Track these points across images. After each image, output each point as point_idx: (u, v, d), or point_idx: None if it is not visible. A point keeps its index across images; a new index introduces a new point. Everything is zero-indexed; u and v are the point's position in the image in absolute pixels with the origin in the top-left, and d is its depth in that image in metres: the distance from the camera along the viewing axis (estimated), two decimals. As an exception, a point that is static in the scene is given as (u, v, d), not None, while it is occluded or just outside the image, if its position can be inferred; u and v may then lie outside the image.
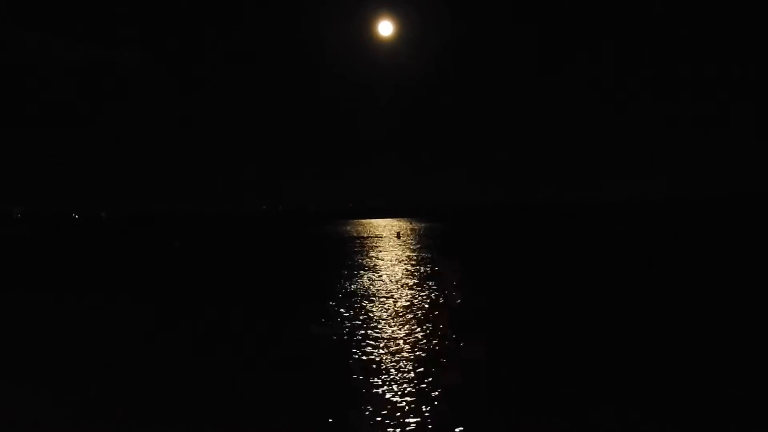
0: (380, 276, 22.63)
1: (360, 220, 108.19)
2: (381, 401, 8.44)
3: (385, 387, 9.03)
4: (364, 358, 10.68)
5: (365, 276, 22.77)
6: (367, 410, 8.10)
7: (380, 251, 35.43)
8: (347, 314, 14.84)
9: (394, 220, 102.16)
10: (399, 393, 8.77)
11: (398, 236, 52.31)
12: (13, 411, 8.42)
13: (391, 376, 9.54)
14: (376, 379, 9.41)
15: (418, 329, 12.90)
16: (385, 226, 77.13)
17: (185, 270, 27.94)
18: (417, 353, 10.91)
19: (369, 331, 12.82)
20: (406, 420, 7.76)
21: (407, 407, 8.19)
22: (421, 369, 9.91)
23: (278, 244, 46.95)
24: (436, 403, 8.33)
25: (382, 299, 16.98)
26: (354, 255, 33.17)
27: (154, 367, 10.52)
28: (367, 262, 28.71)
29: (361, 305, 16.08)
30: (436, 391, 8.81)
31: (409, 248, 37.44)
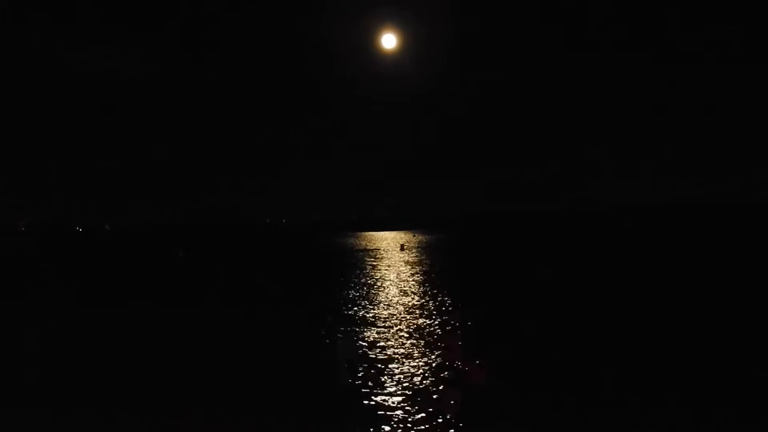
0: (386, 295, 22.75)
1: (364, 233, 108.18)
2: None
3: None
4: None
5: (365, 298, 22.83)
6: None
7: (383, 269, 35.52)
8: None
9: (400, 232, 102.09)
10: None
11: (402, 248, 52.45)
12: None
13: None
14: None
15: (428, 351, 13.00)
16: (392, 239, 77.11)
17: (193, 278, 28.19)
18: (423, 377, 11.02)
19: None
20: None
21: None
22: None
23: (275, 264, 47.05)
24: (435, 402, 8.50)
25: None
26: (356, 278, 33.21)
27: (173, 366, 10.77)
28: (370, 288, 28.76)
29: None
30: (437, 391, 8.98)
31: (412, 263, 37.55)
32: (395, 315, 16.08)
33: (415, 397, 8.94)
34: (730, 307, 15.83)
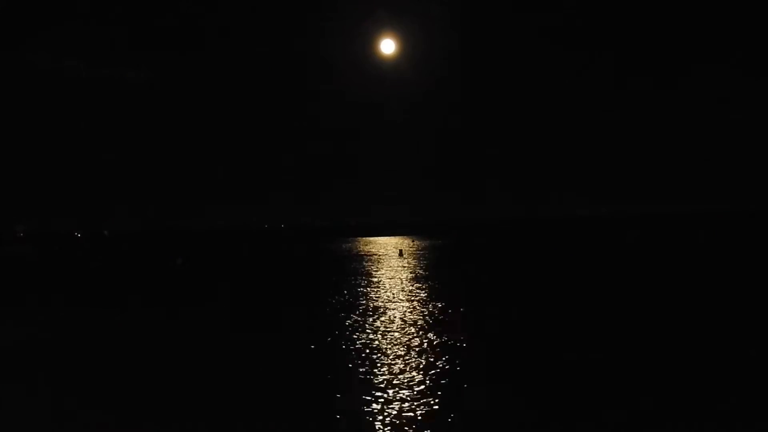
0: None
1: (363, 238, 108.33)
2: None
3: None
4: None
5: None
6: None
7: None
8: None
9: (400, 238, 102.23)
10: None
11: (400, 254, 52.51)
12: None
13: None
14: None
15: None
16: (391, 245, 77.18)
17: (192, 285, 28.31)
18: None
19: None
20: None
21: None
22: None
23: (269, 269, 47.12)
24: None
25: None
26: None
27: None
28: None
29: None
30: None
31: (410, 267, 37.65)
32: (391, 318, 16.15)
33: (412, 397, 9.00)
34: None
